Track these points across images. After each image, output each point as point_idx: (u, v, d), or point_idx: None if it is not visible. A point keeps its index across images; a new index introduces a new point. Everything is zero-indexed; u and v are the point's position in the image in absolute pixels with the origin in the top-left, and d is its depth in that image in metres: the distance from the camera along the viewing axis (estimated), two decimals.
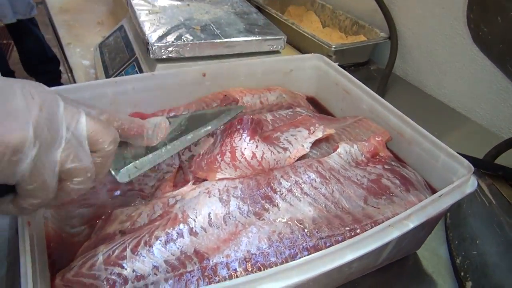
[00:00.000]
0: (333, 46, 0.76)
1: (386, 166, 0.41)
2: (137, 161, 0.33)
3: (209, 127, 0.40)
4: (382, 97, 0.73)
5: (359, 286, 0.40)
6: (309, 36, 0.80)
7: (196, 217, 0.34)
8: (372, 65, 0.86)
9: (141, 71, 0.58)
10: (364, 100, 0.50)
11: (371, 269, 0.40)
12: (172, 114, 0.49)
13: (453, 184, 0.35)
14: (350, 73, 0.81)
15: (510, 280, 0.38)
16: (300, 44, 0.86)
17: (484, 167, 0.51)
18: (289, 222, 0.34)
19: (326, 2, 0.98)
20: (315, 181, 0.37)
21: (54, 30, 0.91)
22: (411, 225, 0.32)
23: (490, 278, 0.39)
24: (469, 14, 0.47)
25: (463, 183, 0.36)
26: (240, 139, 0.37)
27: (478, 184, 0.49)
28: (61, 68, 2.71)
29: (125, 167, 0.32)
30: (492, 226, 0.43)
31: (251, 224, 0.33)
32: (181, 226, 0.33)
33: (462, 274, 0.41)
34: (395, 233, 0.31)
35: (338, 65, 0.79)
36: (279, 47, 0.60)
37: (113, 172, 0.31)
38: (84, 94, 0.46)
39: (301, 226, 0.34)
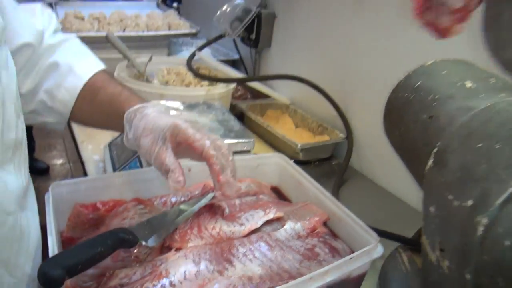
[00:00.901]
0: (299, 145, 0.94)
1: (320, 239, 0.55)
2: (158, 232, 0.50)
3: (193, 209, 0.56)
4: (339, 187, 0.89)
5: None
6: (280, 137, 0.98)
7: (175, 274, 0.47)
8: (334, 160, 1.03)
9: (141, 165, 0.74)
10: (310, 190, 0.65)
11: None
12: (163, 199, 0.64)
13: (362, 250, 0.49)
14: (314, 167, 0.98)
15: None
16: (274, 142, 1.04)
17: (406, 242, 0.65)
18: (242, 278, 0.47)
19: (298, 107, 1.18)
20: (264, 248, 0.50)
21: (70, 130, 1.09)
22: (327, 278, 0.46)
23: None
24: (384, 124, 0.64)
25: (372, 249, 0.50)
26: (204, 218, 0.52)
27: (400, 255, 0.62)
28: (63, 159, 2.90)
29: (152, 237, 0.49)
30: None
31: (215, 278, 0.46)
32: (164, 280, 0.46)
33: None
34: (314, 284, 0.45)
35: (304, 160, 0.96)
36: (250, 147, 0.77)
37: (144, 242, 0.48)
38: (98, 183, 0.61)
39: (250, 280, 0.47)
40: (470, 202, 0.37)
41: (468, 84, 0.49)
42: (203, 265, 0.48)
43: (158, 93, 0.97)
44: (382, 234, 0.63)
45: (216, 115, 0.85)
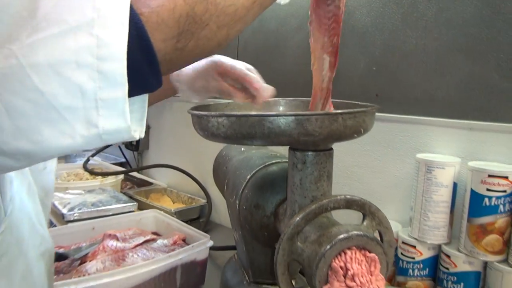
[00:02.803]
0: (172, 210, 1.33)
1: (179, 246, 0.93)
2: (79, 252, 0.81)
3: (98, 242, 0.91)
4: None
5: None
6: (159, 207, 1.37)
7: (90, 268, 0.81)
8: (201, 218, 1.43)
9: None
10: (175, 225, 1.04)
11: None
12: (77, 245, 0.97)
13: (199, 242, 0.89)
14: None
15: None
16: None
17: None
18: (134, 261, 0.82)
19: (173, 188, 1.59)
20: (143, 251, 0.87)
21: None
22: (180, 256, 0.84)
23: None
24: (213, 175, 1.08)
25: (205, 242, 0.90)
26: (106, 243, 0.88)
27: (234, 256, 1.03)
28: None
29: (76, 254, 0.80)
30: None
31: (113, 267, 0.81)
32: (84, 272, 0.80)
33: None
34: (172, 259, 0.82)
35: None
36: (133, 208, 1.14)
37: (72, 257, 0.79)
38: None
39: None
40: (234, 197, 0.81)
41: (242, 148, 0.97)
42: (107, 263, 0.82)
43: (63, 186, 1.30)
44: (218, 248, 1.05)
45: (109, 194, 1.21)
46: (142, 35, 0.30)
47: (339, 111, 0.54)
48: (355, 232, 0.52)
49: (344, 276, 0.51)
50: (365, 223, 0.58)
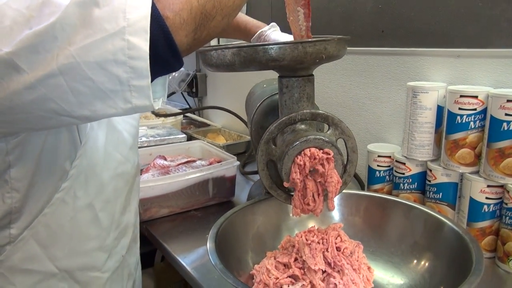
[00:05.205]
0: (221, 144, 1.55)
1: (213, 164, 1.15)
2: None
3: None
4: (245, 163, 1.49)
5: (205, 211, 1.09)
6: (211, 143, 1.60)
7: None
8: (247, 153, 1.64)
9: None
10: (214, 152, 1.26)
11: (208, 201, 1.10)
12: None
13: (227, 161, 1.09)
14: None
15: None
16: None
17: None
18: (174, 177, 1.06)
19: (226, 129, 1.81)
20: (184, 168, 1.10)
21: None
22: (211, 170, 1.05)
23: None
24: (245, 105, 1.27)
25: (232, 162, 1.10)
26: (156, 161, 1.13)
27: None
28: None
29: None
30: None
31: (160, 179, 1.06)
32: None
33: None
34: (205, 171, 1.04)
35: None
36: (183, 140, 1.38)
37: None
38: None
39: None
40: (249, 123, 0.99)
41: (264, 85, 1.13)
42: (156, 175, 1.07)
43: None
44: (253, 172, 1.25)
45: (167, 130, 1.47)
46: (166, 36, 0.40)
47: (299, 40, 0.68)
48: (312, 136, 0.68)
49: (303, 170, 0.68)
50: (328, 132, 0.72)
